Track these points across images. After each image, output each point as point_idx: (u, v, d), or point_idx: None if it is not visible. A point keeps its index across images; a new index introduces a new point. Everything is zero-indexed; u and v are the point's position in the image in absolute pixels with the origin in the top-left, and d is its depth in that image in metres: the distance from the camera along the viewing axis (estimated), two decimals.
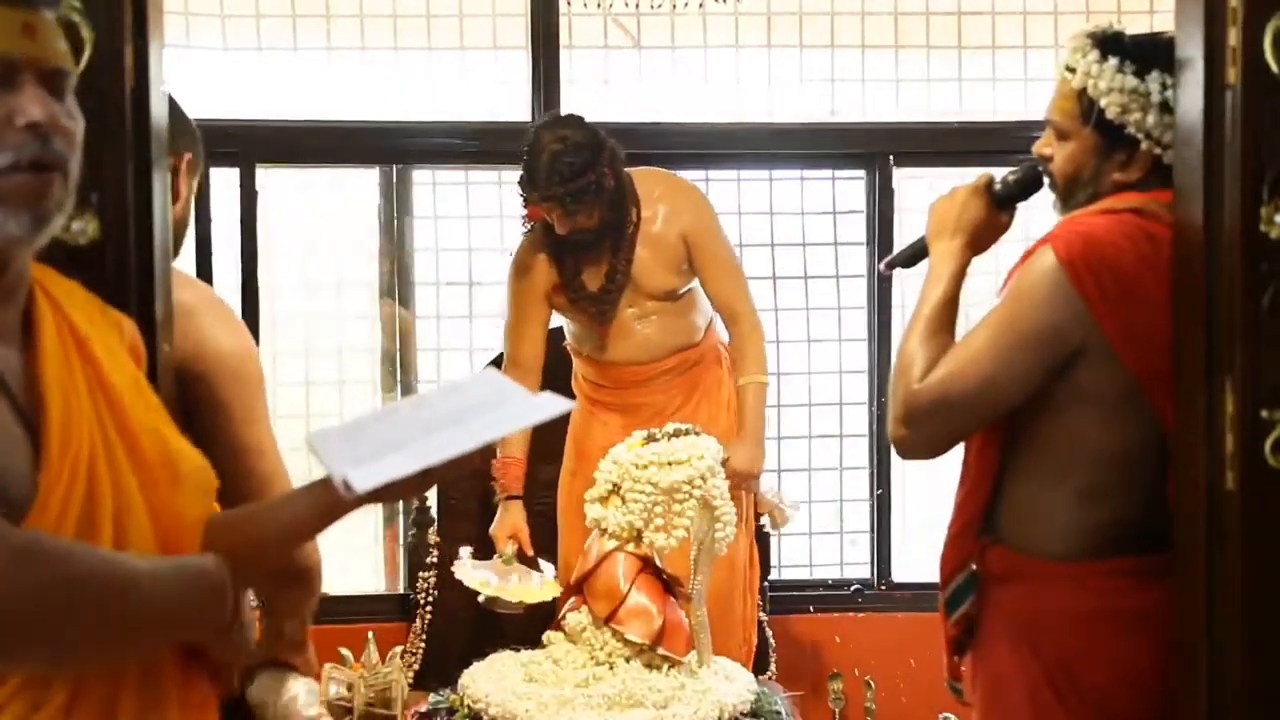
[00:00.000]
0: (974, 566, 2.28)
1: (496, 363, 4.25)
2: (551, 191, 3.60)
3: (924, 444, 2.22)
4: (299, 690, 2.10)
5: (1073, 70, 2.24)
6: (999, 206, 2.32)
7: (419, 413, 1.53)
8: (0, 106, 1.38)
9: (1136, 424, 2.14)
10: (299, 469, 4.78)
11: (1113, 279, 2.11)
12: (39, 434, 1.38)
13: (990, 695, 2.27)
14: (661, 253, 3.80)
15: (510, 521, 3.87)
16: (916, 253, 2.42)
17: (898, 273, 4.48)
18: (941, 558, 2.31)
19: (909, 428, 2.18)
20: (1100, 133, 2.21)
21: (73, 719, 1.37)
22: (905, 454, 2.25)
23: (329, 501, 1.46)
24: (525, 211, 3.76)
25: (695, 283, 3.89)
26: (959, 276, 2.28)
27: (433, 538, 4.15)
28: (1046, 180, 2.31)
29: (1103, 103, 2.20)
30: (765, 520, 4.05)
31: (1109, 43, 2.22)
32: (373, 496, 1.43)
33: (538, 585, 3.74)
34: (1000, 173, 2.37)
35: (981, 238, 2.31)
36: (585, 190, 3.61)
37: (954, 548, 2.29)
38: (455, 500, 4.13)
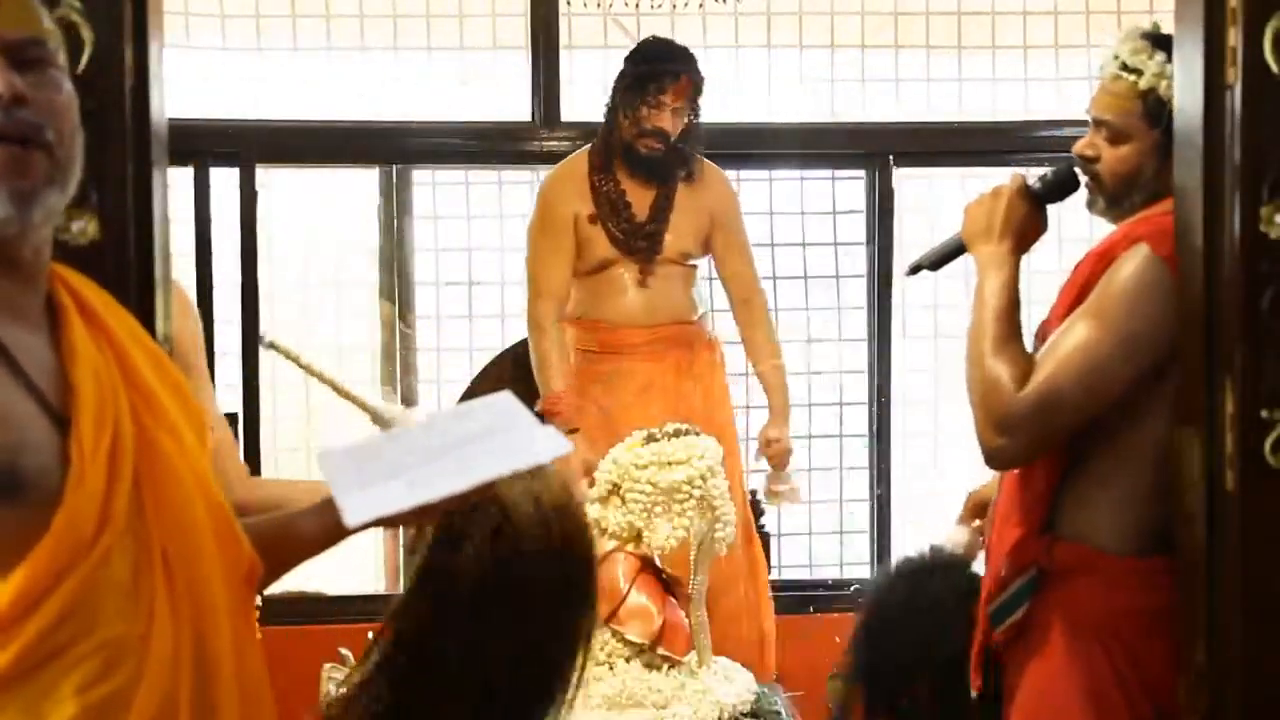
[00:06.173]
0: (1039, 568, 2.23)
1: (496, 363, 4.25)
2: (699, 72, 3.86)
3: (1026, 449, 2.18)
4: None
5: (1136, 71, 2.22)
6: (1036, 208, 2.31)
7: (428, 437, 1.52)
8: None
9: None
10: (297, 469, 4.78)
11: None
12: (67, 420, 1.33)
13: (1038, 692, 2.23)
14: (687, 218, 3.94)
15: (579, 457, 3.55)
16: (946, 255, 2.40)
17: (897, 273, 4.50)
18: (1004, 564, 2.25)
19: (1009, 435, 2.15)
20: (1168, 134, 2.17)
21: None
22: (1002, 462, 2.22)
23: (334, 523, 1.48)
24: (677, 81, 3.84)
25: (697, 263, 4.01)
26: (1015, 279, 2.25)
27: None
28: (1084, 181, 2.30)
29: None
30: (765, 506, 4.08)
31: (1166, 43, 2.19)
32: (374, 523, 1.45)
33: None
34: (1032, 174, 2.35)
35: (1027, 239, 2.30)
36: (699, 90, 3.87)
37: (1019, 553, 2.24)
38: None
